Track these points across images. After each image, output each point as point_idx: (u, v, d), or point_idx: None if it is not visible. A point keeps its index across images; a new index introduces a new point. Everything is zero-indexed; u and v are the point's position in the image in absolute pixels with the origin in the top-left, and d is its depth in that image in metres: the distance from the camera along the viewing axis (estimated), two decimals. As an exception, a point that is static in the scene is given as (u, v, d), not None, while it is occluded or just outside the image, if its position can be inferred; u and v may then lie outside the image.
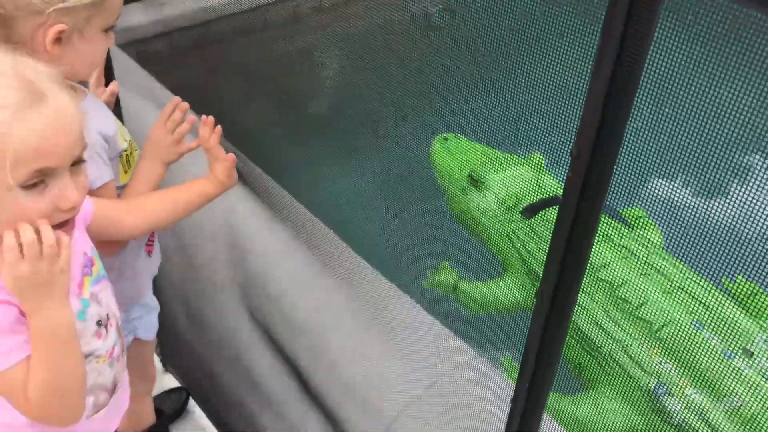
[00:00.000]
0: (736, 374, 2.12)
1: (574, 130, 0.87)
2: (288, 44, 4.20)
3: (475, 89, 3.63)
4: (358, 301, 1.75)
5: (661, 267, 2.41)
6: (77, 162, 1.10)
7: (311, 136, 3.44)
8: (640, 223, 2.75)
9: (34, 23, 1.33)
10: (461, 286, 2.74)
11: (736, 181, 1.35)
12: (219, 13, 3.94)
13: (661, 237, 2.71)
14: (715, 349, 2.20)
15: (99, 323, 1.26)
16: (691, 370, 2.20)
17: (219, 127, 1.53)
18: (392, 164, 3.26)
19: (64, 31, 1.35)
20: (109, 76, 1.89)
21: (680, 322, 2.27)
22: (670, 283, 2.35)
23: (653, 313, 2.30)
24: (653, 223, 2.77)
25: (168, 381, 2.29)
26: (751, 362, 2.13)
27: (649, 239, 2.62)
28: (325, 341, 1.68)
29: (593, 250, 0.95)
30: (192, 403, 2.23)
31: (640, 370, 2.26)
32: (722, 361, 2.16)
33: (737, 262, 1.44)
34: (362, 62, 3.69)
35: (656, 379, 2.22)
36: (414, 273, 2.87)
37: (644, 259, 2.44)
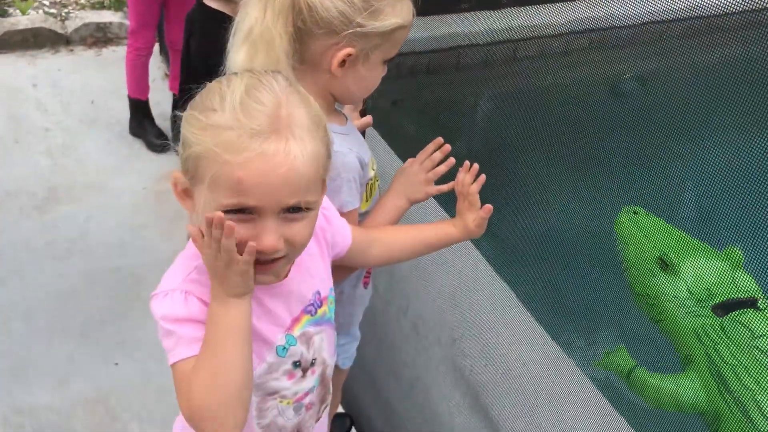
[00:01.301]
0: None
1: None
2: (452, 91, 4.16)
3: (669, 165, 3.46)
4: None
5: None
6: (294, 210, 1.04)
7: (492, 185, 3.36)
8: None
9: (327, 43, 1.35)
10: (636, 374, 2.57)
11: None
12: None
13: None
14: None
15: (296, 364, 1.22)
16: None
17: (483, 176, 1.48)
18: (574, 228, 3.14)
19: (352, 55, 1.36)
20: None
21: None
22: None
23: None
24: None
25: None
26: None
27: None
28: (537, 408, 1.59)
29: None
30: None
31: None
32: None
33: None
34: (546, 119, 3.60)
35: None
36: (585, 349, 2.74)
37: None
